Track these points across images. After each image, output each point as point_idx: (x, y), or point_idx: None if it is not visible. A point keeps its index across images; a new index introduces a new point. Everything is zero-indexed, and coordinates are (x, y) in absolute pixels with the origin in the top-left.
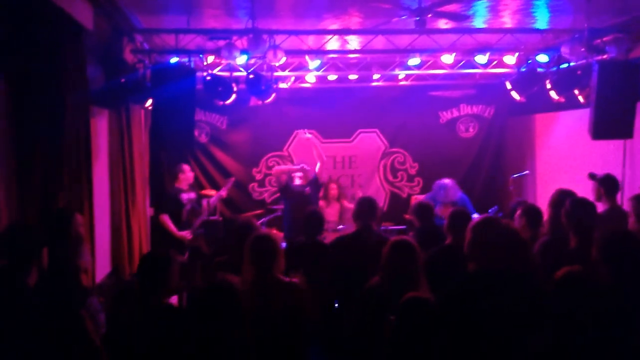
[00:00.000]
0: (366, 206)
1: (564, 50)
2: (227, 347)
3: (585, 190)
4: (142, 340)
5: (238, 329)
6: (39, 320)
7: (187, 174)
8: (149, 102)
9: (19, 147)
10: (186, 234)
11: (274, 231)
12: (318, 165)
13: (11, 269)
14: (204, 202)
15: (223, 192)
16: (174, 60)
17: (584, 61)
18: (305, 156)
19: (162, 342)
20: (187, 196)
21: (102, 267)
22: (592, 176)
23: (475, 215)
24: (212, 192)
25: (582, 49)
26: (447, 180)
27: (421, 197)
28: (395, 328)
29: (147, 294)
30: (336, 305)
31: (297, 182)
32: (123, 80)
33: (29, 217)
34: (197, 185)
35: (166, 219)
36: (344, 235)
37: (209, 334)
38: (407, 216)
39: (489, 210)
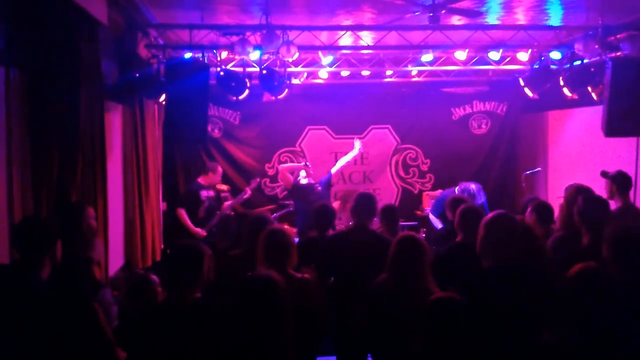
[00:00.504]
0: (364, 203)
1: (578, 47)
2: (265, 343)
3: (597, 187)
4: (173, 333)
5: (281, 326)
6: (52, 312)
7: (217, 176)
8: (163, 97)
9: (33, 141)
10: (200, 231)
11: (286, 226)
12: (303, 172)
13: (25, 261)
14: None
15: (247, 193)
16: (187, 55)
17: (597, 58)
18: (317, 152)
19: (195, 336)
20: (207, 194)
21: (116, 260)
22: (604, 174)
23: None
24: (224, 187)
25: (596, 46)
26: (473, 186)
27: (433, 193)
28: (425, 331)
29: (182, 287)
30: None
31: (305, 180)
32: (137, 75)
33: (43, 210)
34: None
35: (183, 214)
36: (339, 231)
37: (249, 329)
38: (418, 212)
39: None
